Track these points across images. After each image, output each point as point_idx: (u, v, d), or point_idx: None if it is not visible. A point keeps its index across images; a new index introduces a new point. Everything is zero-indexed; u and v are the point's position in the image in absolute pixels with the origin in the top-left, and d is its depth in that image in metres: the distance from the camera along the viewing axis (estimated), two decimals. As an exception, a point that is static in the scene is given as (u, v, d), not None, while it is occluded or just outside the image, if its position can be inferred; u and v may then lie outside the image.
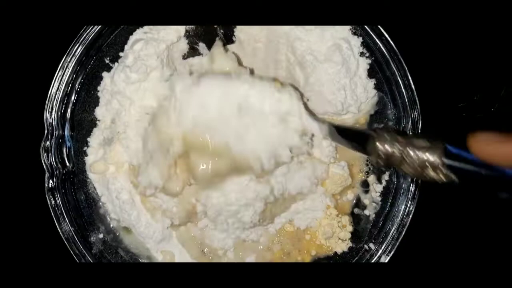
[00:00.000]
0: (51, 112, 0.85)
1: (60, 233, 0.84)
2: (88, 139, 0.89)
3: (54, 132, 0.85)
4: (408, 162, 0.55)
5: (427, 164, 0.53)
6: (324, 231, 0.90)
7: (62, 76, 0.86)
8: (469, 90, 1.03)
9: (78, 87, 0.88)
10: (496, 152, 0.50)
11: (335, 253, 0.92)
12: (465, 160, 0.50)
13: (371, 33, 0.88)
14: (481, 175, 0.50)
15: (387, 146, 0.57)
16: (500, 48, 1.01)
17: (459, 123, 1.03)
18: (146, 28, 0.90)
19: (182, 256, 0.91)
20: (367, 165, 0.94)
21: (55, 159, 0.85)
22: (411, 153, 0.55)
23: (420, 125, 0.87)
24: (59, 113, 0.86)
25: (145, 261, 0.90)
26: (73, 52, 0.86)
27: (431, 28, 0.97)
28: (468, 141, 0.51)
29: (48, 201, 0.84)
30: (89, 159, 0.88)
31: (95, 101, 0.90)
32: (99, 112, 0.89)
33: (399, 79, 0.88)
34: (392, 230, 0.88)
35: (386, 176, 0.92)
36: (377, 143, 0.59)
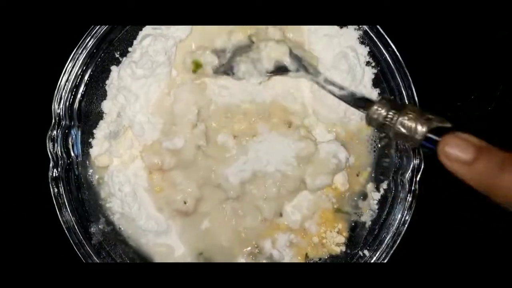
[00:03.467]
0: (59, 103, 0.86)
1: (61, 222, 0.85)
2: (94, 131, 0.90)
3: (61, 122, 0.86)
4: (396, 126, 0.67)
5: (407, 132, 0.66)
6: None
7: (72, 68, 0.87)
8: (466, 89, 1.03)
9: (87, 80, 0.89)
10: (459, 172, 0.57)
11: (330, 257, 0.93)
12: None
13: (378, 43, 0.90)
14: None
15: (382, 110, 0.70)
16: (497, 47, 1.02)
17: (456, 121, 1.03)
18: (156, 24, 0.91)
19: (179, 250, 0.92)
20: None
21: (60, 148, 0.86)
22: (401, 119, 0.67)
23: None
24: (67, 103, 0.87)
25: (143, 254, 0.91)
26: (84, 44, 0.87)
27: (428, 27, 0.97)
28: (439, 146, 0.60)
29: (51, 190, 0.85)
30: (93, 151, 0.89)
31: (103, 94, 0.91)
32: (105, 105, 0.90)
33: (403, 90, 0.90)
34: (387, 238, 0.89)
35: (384, 185, 0.94)
36: (375, 106, 0.71)
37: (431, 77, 0.98)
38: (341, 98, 0.81)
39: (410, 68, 0.89)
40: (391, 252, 0.89)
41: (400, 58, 0.89)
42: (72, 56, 0.87)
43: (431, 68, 0.99)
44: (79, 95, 0.89)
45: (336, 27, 0.89)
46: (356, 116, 0.91)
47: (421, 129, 0.65)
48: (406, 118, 0.66)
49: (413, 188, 0.88)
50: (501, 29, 1.01)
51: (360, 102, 0.77)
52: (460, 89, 1.03)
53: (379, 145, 0.94)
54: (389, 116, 0.68)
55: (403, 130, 0.66)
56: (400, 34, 0.90)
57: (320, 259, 0.93)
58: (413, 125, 0.65)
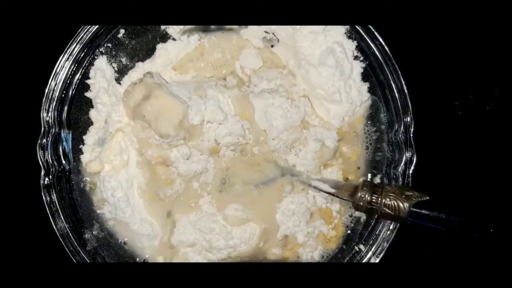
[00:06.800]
0: (48, 110, 0.86)
1: (55, 230, 0.85)
2: (84, 137, 0.90)
3: (51, 130, 0.86)
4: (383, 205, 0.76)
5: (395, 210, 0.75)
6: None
7: (59, 75, 0.87)
8: (464, 88, 1.03)
9: (74, 86, 0.89)
10: None
11: (327, 252, 0.93)
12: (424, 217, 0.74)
13: (365, 36, 0.89)
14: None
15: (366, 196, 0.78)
16: (495, 47, 1.02)
17: (455, 121, 1.04)
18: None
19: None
20: (359, 168, 0.95)
21: (51, 156, 0.86)
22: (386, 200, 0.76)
23: (412, 128, 0.88)
24: (56, 111, 0.87)
25: (138, 258, 0.91)
26: (71, 51, 0.87)
27: (427, 27, 0.97)
28: None
29: (43, 198, 0.85)
30: (84, 158, 0.89)
31: (91, 100, 0.91)
32: (92, 113, 0.90)
33: (392, 83, 0.89)
34: (382, 232, 0.89)
35: (377, 179, 0.93)
36: (359, 193, 0.79)
37: (429, 77, 0.98)
38: (327, 192, 0.86)
39: (409, 65, 0.88)
40: (387, 246, 0.88)
41: (388, 51, 0.88)
42: (59, 63, 0.87)
43: (429, 68, 0.99)
44: (67, 102, 0.89)
45: (321, 24, 0.88)
46: (349, 111, 0.91)
47: (403, 207, 0.73)
48: (388, 199, 0.74)
49: (406, 181, 0.88)
50: (498, 30, 1.01)
51: (345, 189, 0.84)
52: (458, 89, 1.03)
53: (372, 139, 0.94)
54: (373, 201, 0.76)
55: (388, 211, 0.75)
56: (398, 35, 0.89)
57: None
58: (396, 204, 0.74)
